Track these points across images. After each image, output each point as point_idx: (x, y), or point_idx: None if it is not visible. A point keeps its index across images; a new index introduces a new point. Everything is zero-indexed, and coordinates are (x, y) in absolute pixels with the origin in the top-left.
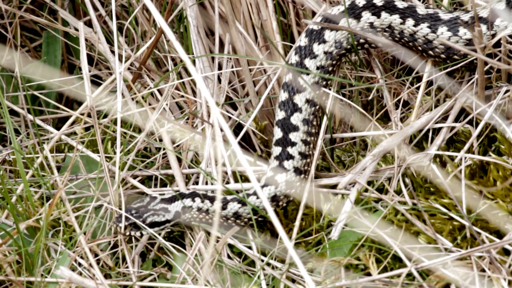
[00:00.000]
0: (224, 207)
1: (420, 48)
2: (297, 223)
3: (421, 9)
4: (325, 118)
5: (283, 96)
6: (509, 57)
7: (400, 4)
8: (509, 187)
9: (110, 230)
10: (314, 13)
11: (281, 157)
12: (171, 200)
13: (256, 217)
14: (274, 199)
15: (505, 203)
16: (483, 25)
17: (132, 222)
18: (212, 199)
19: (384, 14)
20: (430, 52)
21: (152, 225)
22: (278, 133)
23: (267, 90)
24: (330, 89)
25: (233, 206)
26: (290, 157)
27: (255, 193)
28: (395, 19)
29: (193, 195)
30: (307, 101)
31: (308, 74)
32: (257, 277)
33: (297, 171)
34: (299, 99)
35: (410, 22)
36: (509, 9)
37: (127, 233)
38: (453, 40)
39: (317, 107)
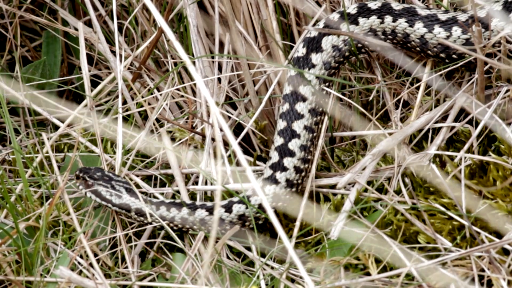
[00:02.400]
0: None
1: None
2: (297, 223)
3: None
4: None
5: (284, 107)
6: (509, 57)
7: (395, 6)
8: (508, 187)
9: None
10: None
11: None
12: (133, 193)
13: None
14: (241, 217)
15: (504, 203)
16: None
17: (84, 178)
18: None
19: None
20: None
21: (94, 192)
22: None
23: (268, 92)
24: (331, 88)
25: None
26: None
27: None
28: (389, 21)
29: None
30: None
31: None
32: (256, 277)
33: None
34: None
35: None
36: (506, 11)
37: (77, 184)
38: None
39: (320, 116)
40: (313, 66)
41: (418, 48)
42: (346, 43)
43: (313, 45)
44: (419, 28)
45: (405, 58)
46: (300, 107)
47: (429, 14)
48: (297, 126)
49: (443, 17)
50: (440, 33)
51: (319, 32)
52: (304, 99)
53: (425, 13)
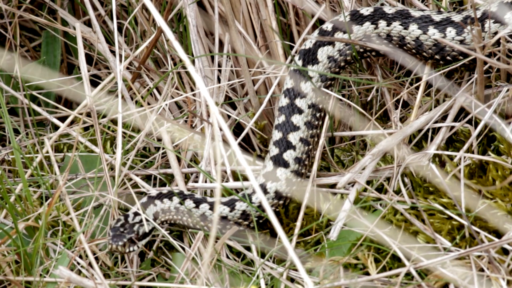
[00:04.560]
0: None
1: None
2: (298, 223)
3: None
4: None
5: (280, 119)
6: (508, 57)
7: (388, 10)
8: (508, 187)
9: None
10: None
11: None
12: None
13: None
14: (244, 213)
15: (504, 203)
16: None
17: (129, 238)
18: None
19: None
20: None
21: (144, 235)
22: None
23: (269, 92)
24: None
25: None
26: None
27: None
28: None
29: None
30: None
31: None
32: (256, 276)
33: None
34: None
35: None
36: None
37: (127, 250)
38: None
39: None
40: (310, 78)
41: (414, 50)
42: (342, 53)
43: (309, 57)
44: (414, 30)
45: (405, 59)
46: (296, 119)
47: (423, 16)
48: (293, 138)
49: (437, 18)
50: (435, 34)
51: (314, 43)
52: (300, 111)
53: (419, 15)
